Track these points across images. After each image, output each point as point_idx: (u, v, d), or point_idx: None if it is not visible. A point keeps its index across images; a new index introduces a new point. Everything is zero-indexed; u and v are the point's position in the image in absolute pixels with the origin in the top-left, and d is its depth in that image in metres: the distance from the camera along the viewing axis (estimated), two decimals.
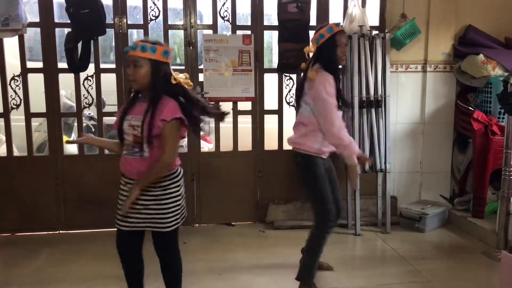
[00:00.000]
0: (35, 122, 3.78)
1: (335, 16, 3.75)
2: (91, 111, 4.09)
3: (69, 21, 3.35)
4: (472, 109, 3.64)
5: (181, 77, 2.05)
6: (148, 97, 2.02)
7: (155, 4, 3.49)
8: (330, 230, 2.54)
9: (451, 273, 2.86)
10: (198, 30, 3.59)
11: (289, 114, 3.58)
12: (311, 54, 2.61)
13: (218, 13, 3.58)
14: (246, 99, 3.66)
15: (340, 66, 2.73)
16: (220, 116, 2.17)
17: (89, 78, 3.51)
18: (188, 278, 2.70)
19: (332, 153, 2.55)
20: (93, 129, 4.28)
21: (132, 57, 1.98)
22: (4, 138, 3.61)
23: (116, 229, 2.13)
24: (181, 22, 3.58)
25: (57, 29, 3.48)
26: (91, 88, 3.53)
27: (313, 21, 3.65)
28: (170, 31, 3.61)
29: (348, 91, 3.49)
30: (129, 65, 2.01)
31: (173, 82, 2.02)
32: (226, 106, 3.62)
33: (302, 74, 2.67)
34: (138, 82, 2.00)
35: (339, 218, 2.63)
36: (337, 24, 2.54)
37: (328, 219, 2.50)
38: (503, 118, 3.50)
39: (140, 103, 2.04)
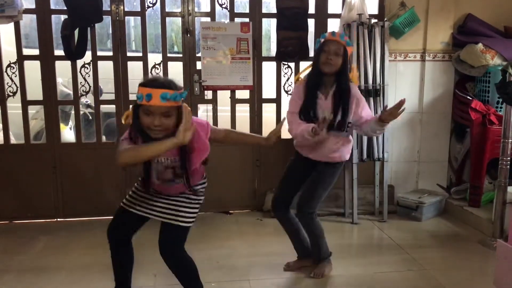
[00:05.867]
0: (32, 109, 3.76)
1: (334, 4, 3.72)
2: (88, 99, 4.07)
3: (65, 8, 3.31)
4: (470, 98, 3.63)
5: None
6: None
7: None
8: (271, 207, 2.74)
9: (447, 262, 2.88)
10: (196, 18, 3.56)
11: (287, 103, 3.57)
12: None
13: (216, 0, 3.54)
14: (244, 87, 3.64)
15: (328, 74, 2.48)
16: None
17: (86, 65, 3.49)
18: None
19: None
20: (90, 117, 4.26)
21: (162, 108, 1.77)
22: (0, 125, 3.60)
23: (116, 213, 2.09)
24: (179, 10, 3.55)
25: (53, 16, 3.44)
26: (88, 76, 3.51)
27: (312, 9, 3.63)
28: (167, 19, 3.58)
29: None
30: (153, 115, 1.78)
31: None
32: (224, 95, 3.67)
33: None
34: (168, 131, 1.81)
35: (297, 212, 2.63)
36: (333, 33, 2.42)
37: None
38: (501, 107, 3.51)
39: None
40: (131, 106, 1.94)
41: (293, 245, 2.77)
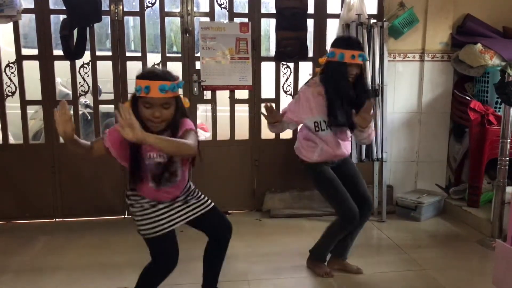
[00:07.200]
0: (30, 109, 3.75)
1: (333, 4, 3.72)
2: (87, 99, 4.07)
3: (64, 8, 3.31)
4: (469, 98, 3.64)
5: (186, 101, 1.97)
6: (165, 129, 1.86)
7: None
8: (349, 223, 2.53)
9: (446, 262, 2.88)
10: (195, 18, 3.56)
11: (286, 103, 3.57)
12: None
13: (215, 0, 3.54)
14: (244, 87, 3.64)
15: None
16: None
17: (85, 65, 3.49)
18: (185, 265, 2.71)
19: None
20: (89, 117, 4.26)
21: (162, 99, 1.79)
22: None
23: (156, 236, 1.98)
24: (178, 9, 3.55)
25: (52, 16, 3.44)
26: (87, 76, 3.50)
27: (311, 9, 3.63)
28: (166, 19, 3.58)
29: None
30: (153, 107, 1.80)
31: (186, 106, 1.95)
32: (223, 95, 3.67)
33: None
34: (166, 122, 1.84)
35: (364, 210, 2.60)
36: (353, 56, 2.35)
37: (343, 216, 2.54)
38: (499, 107, 3.51)
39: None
40: (128, 98, 1.92)
41: (334, 247, 2.68)
